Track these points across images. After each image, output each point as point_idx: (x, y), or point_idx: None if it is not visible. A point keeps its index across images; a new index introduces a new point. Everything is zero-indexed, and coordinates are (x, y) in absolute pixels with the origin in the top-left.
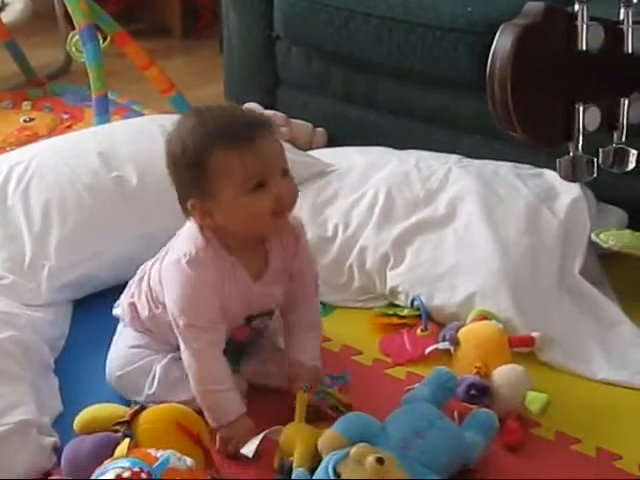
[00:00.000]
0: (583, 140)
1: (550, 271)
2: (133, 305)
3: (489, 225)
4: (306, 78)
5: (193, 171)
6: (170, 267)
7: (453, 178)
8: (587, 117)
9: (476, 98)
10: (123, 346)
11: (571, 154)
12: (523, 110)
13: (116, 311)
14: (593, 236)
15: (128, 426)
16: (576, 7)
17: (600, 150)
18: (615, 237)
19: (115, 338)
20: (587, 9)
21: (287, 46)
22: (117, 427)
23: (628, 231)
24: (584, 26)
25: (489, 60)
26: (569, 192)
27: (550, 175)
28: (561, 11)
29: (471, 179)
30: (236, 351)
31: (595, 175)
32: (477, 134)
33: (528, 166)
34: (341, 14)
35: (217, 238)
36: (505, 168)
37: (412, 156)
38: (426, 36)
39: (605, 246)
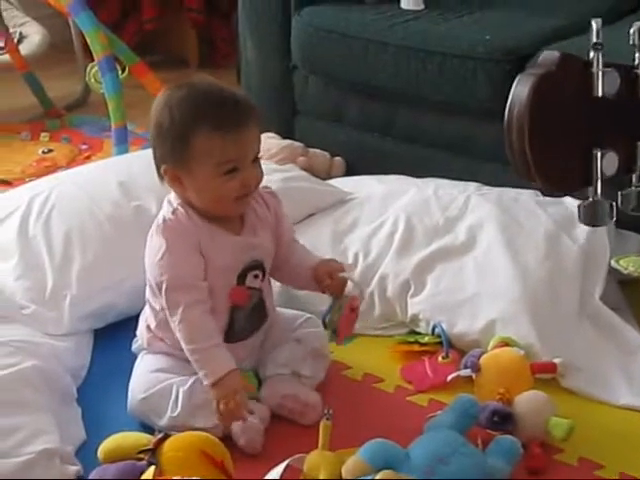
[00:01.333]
0: (602, 185)
1: (570, 297)
2: (147, 327)
3: (509, 252)
4: (324, 107)
5: (175, 141)
6: (149, 239)
7: (472, 206)
8: (605, 162)
9: (495, 126)
10: (145, 371)
11: (591, 199)
12: (541, 158)
13: (135, 347)
14: (613, 262)
15: (152, 454)
16: (591, 54)
17: (620, 193)
18: (635, 263)
19: (136, 365)
20: (602, 55)
21: (305, 76)
22: (141, 455)
23: None
24: (599, 73)
25: (506, 110)
26: None
27: (570, 202)
28: (576, 59)
29: (491, 206)
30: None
31: (615, 219)
32: (496, 162)
33: None
34: (358, 43)
35: (193, 206)
36: (525, 195)
37: (431, 184)
38: (444, 64)
39: (625, 272)
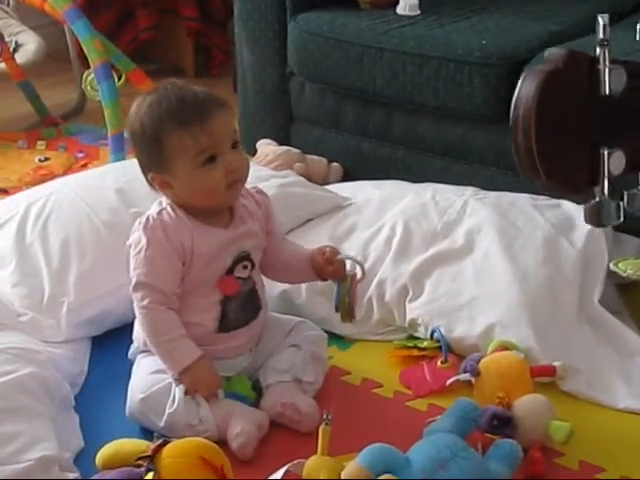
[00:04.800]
0: (609, 184)
1: (569, 301)
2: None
3: (507, 256)
4: (320, 113)
5: (151, 147)
6: (130, 234)
7: (470, 210)
8: (612, 161)
9: (491, 130)
10: (144, 373)
11: (597, 199)
12: (548, 157)
13: (132, 351)
14: (612, 265)
15: (151, 461)
16: (597, 51)
17: (625, 193)
18: (634, 266)
19: (134, 369)
20: (609, 52)
21: (301, 82)
22: (140, 462)
23: None
24: (606, 70)
25: (512, 108)
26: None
27: (567, 206)
28: (583, 56)
29: (488, 211)
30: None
31: (622, 220)
32: (493, 166)
33: (545, 197)
34: (354, 49)
35: (182, 206)
36: (522, 199)
37: (428, 189)
38: (440, 69)
39: (624, 275)
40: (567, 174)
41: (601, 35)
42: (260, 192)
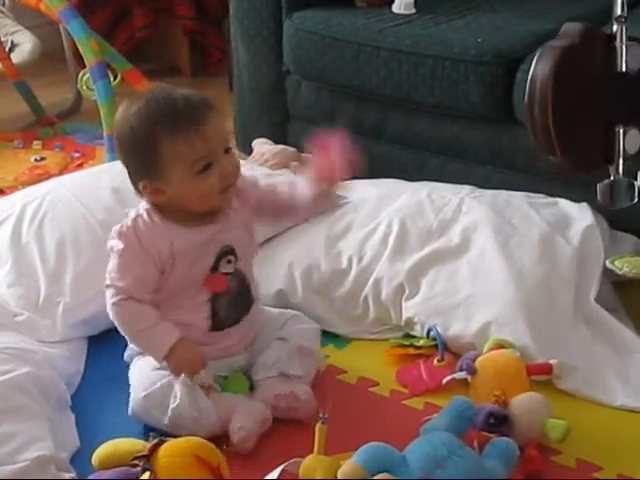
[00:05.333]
0: (623, 163)
1: (565, 299)
2: None
3: (503, 254)
4: (316, 112)
5: (143, 155)
6: (108, 241)
7: (466, 208)
8: (627, 140)
9: (487, 129)
10: (144, 371)
11: (611, 178)
12: (564, 133)
13: (127, 354)
14: (608, 263)
15: (147, 460)
16: (614, 28)
17: (639, 174)
18: (630, 264)
19: (131, 371)
20: (626, 29)
21: (297, 80)
22: (136, 461)
23: None
24: (623, 47)
25: (528, 84)
26: (582, 220)
27: (563, 204)
28: (599, 32)
29: (484, 209)
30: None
31: (635, 201)
32: (489, 164)
33: (541, 195)
34: (350, 48)
35: (163, 210)
36: (518, 198)
37: (424, 187)
38: (436, 68)
39: (620, 273)
40: (582, 151)
41: (619, 11)
42: (243, 183)
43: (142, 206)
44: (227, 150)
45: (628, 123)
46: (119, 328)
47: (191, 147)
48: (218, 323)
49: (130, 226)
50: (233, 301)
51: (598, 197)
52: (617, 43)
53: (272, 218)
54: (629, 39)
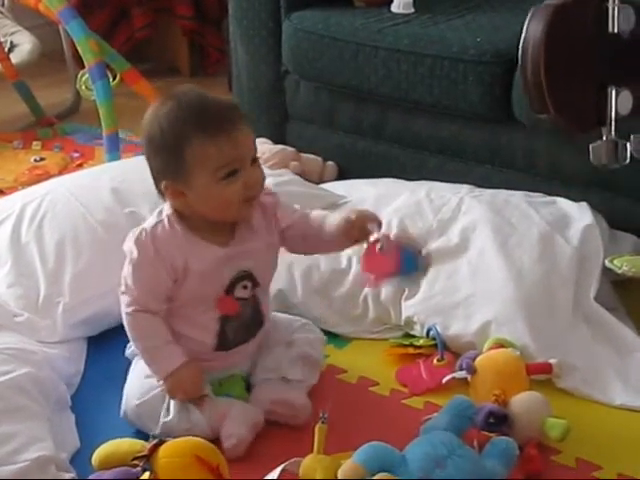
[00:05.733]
0: (616, 125)
1: (565, 298)
2: None
3: (503, 253)
4: (315, 112)
5: (169, 156)
6: (125, 242)
7: (465, 208)
8: (619, 101)
9: (486, 128)
10: (139, 377)
11: (604, 138)
12: (556, 90)
13: (129, 352)
14: (607, 262)
15: (147, 460)
16: None
17: (632, 136)
18: (629, 263)
19: (131, 370)
20: None
21: (296, 80)
22: (136, 462)
23: None
24: (615, 8)
25: (521, 44)
26: (582, 219)
27: (562, 203)
28: None
29: (483, 208)
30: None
31: (627, 161)
32: (488, 164)
33: (540, 194)
34: (349, 47)
35: (184, 218)
36: (517, 197)
37: (423, 187)
38: (434, 67)
39: (619, 272)
40: (575, 109)
41: None
42: (267, 193)
43: (165, 210)
44: (254, 160)
45: (620, 84)
46: (129, 335)
47: (219, 151)
48: (225, 343)
49: (149, 233)
50: (243, 325)
51: (591, 158)
52: (609, 4)
53: (299, 247)
54: (622, 1)
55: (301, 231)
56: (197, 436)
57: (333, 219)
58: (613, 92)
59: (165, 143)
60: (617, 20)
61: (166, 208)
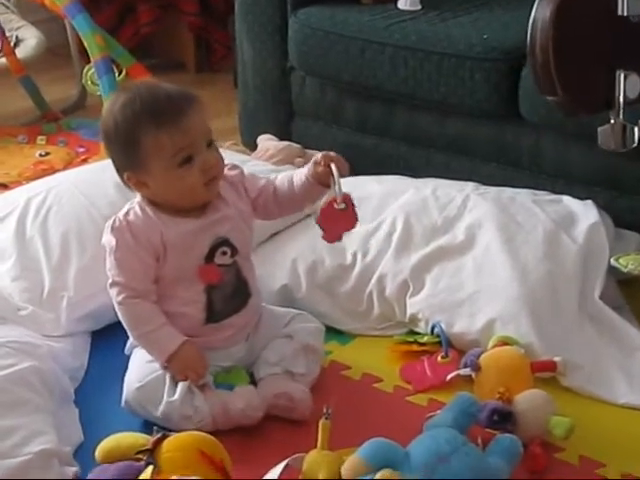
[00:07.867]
0: (624, 108)
1: (570, 296)
2: None
3: (508, 251)
4: (321, 108)
5: (125, 147)
6: (102, 236)
7: (471, 205)
8: (628, 84)
9: (492, 125)
10: (140, 362)
11: (612, 122)
12: (564, 70)
13: (128, 345)
14: (612, 261)
15: (150, 454)
16: None
17: (638, 121)
18: (635, 261)
19: (130, 361)
20: None
21: (302, 77)
22: (139, 456)
23: None
24: None
25: (529, 26)
26: (587, 218)
27: (568, 201)
28: None
29: (489, 206)
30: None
31: (635, 144)
32: (494, 161)
33: (546, 192)
34: (356, 44)
35: (155, 204)
36: (522, 195)
37: (429, 184)
38: (441, 64)
39: (625, 270)
40: (583, 90)
41: None
42: (232, 168)
43: (136, 200)
44: (209, 144)
45: (628, 68)
46: (125, 326)
47: (170, 139)
48: (214, 315)
49: (122, 219)
50: (230, 294)
51: (599, 141)
52: None
53: (274, 210)
54: None
55: (272, 195)
56: (196, 424)
57: (300, 172)
58: (621, 76)
59: (121, 136)
60: (627, 3)
61: (137, 198)
